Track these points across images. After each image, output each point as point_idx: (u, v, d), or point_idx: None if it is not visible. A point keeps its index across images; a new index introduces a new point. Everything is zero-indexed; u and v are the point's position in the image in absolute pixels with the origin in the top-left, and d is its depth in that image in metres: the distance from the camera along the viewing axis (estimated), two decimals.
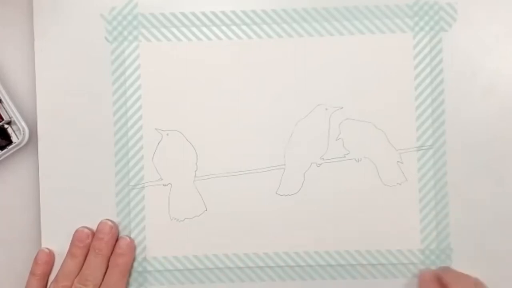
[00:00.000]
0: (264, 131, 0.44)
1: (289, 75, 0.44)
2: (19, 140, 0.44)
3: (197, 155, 0.44)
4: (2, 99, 0.44)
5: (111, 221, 0.44)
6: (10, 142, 0.45)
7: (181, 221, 0.44)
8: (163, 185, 0.45)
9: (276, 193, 0.44)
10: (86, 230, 0.43)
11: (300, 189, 0.44)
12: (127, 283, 0.44)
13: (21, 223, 0.45)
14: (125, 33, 0.45)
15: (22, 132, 0.44)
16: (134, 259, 0.44)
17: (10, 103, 0.44)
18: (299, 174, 0.44)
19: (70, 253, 0.43)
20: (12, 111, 0.44)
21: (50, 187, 0.44)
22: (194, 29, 0.45)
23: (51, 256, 0.44)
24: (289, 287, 0.44)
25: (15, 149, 0.44)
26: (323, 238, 0.44)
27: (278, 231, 0.44)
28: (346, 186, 0.44)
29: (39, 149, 0.44)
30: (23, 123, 0.44)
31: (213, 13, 0.45)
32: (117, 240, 0.44)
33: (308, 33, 0.45)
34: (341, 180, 0.44)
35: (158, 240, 0.44)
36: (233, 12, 0.45)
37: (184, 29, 0.45)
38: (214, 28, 0.45)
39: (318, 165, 0.44)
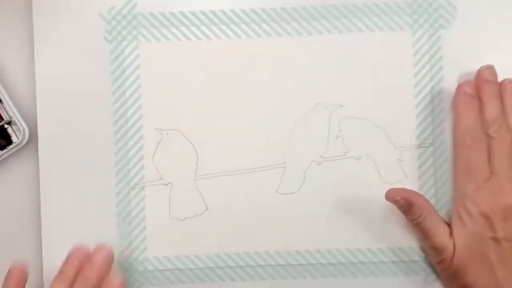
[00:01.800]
0: (264, 130, 0.44)
1: (288, 74, 0.44)
2: (19, 140, 0.44)
3: (197, 154, 0.44)
4: (2, 99, 0.44)
5: (107, 248, 0.41)
6: (10, 142, 0.44)
7: (181, 220, 0.44)
8: (164, 184, 0.44)
9: (277, 192, 0.44)
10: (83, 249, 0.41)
11: (300, 187, 0.44)
12: None
13: (21, 223, 0.45)
14: (124, 32, 0.45)
15: (22, 132, 0.44)
16: None
17: (10, 103, 0.44)
18: (299, 173, 0.44)
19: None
20: (12, 111, 0.44)
21: (50, 187, 0.44)
22: (193, 28, 0.45)
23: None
24: (290, 285, 0.44)
25: (15, 149, 0.44)
26: (324, 236, 0.44)
27: (279, 229, 0.44)
28: (347, 184, 0.44)
29: (39, 149, 0.44)
30: (23, 123, 0.44)
31: (213, 12, 0.45)
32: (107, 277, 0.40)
33: (307, 31, 0.45)
34: (341, 178, 0.44)
35: (159, 240, 0.44)
36: (232, 11, 0.45)
37: (183, 29, 0.45)
38: (213, 27, 0.45)
39: (318, 164, 0.44)
